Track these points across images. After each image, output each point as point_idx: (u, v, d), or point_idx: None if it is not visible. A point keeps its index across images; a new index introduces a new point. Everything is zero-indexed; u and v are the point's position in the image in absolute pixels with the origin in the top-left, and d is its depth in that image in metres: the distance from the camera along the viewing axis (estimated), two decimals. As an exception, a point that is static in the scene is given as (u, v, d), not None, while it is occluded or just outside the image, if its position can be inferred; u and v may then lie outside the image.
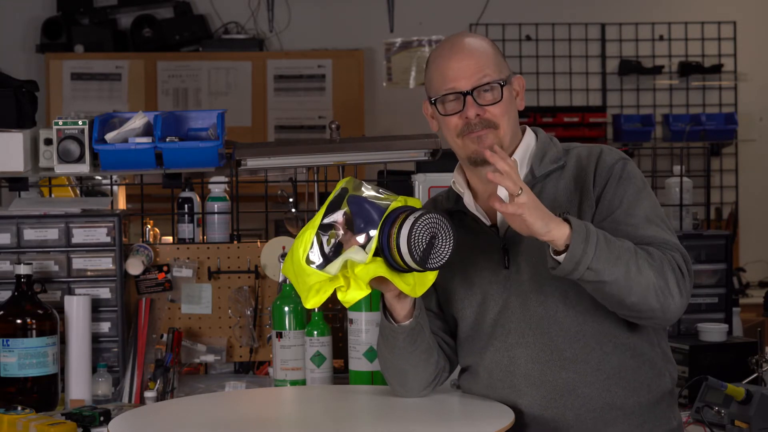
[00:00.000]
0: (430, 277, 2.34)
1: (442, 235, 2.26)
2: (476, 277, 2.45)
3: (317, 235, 2.30)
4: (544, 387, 2.37)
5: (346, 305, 2.31)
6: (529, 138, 2.49)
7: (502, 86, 2.40)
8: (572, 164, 2.45)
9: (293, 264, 2.31)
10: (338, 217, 2.31)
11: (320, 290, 2.29)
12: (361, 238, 2.29)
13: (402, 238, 2.24)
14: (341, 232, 2.30)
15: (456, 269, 2.47)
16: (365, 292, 2.29)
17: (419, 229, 2.24)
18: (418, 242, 2.24)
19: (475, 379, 2.47)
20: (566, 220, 2.24)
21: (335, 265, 2.28)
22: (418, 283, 2.34)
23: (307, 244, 2.29)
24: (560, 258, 2.23)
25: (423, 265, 2.26)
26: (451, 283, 2.49)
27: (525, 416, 2.38)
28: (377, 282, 2.32)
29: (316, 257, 2.29)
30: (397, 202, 2.32)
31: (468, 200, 2.48)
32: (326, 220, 2.31)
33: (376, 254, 2.29)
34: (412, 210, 2.29)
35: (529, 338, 2.39)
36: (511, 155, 2.44)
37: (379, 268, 2.28)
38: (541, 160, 2.45)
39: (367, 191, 2.36)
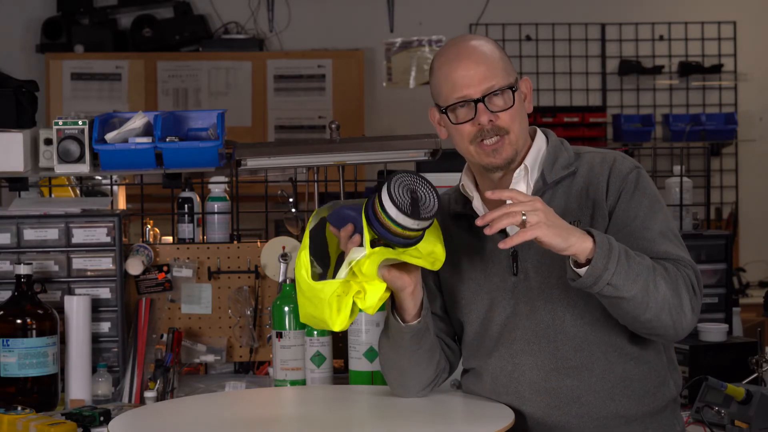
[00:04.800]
0: (439, 248, 2.32)
1: (421, 188, 2.25)
2: (484, 283, 2.44)
3: (311, 257, 2.32)
4: (548, 394, 2.36)
5: (371, 311, 2.31)
6: (540, 141, 2.46)
7: (513, 91, 2.37)
8: (584, 171, 2.42)
9: (303, 291, 2.32)
10: (326, 235, 2.35)
11: (340, 307, 2.28)
12: (355, 239, 2.29)
13: (386, 203, 2.23)
14: (337, 247, 2.33)
15: (463, 273, 2.46)
16: (381, 287, 2.29)
17: (396, 188, 2.23)
18: (402, 199, 2.23)
19: (479, 382, 2.47)
20: (589, 233, 2.21)
21: (342, 271, 2.28)
22: (429, 258, 2.32)
23: (306, 265, 2.31)
24: (581, 271, 2.21)
25: (418, 217, 2.24)
26: (458, 288, 2.47)
27: (528, 423, 2.37)
28: (393, 278, 2.31)
29: (320, 271, 2.32)
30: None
31: (477, 204, 2.47)
32: (313, 245, 2.34)
33: (373, 245, 2.28)
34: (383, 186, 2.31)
35: (535, 346, 2.38)
36: (521, 160, 2.43)
37: (383, 254, 2.27)
38: (552, 166, 2.42)
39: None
